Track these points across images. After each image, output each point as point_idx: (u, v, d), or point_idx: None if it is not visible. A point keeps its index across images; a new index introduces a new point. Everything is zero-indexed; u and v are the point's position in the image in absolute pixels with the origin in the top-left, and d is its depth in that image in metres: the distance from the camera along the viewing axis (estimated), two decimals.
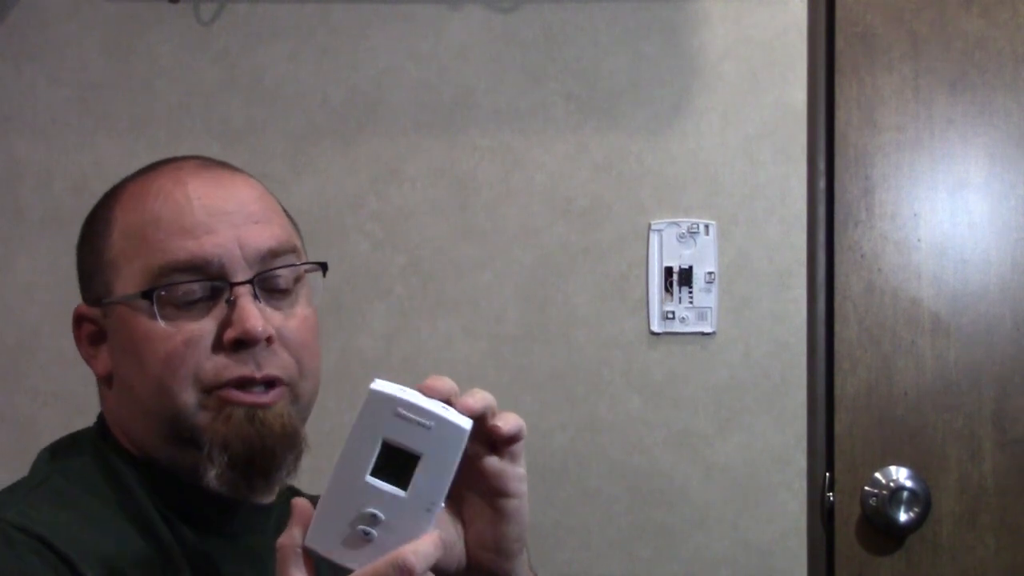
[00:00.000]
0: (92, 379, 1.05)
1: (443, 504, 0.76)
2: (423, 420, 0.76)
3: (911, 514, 1.80)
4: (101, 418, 1.03)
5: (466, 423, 0.77)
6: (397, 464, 0.75)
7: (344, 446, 0.76)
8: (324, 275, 1.04)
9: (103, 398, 1.03)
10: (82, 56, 1.86)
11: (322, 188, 1.85)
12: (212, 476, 0.94)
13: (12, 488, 0.97)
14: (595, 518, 1.84)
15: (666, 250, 1.84)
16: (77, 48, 1.87)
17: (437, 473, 0.76)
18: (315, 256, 1.06)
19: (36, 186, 1.86)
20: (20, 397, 1.84)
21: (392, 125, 1.86)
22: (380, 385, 0.76)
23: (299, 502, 0.76)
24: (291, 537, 0.75)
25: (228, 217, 0.97)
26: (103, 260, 1.00)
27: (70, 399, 1.79)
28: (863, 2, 1.86)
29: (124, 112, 1.86)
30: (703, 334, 1.84)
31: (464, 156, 1.86)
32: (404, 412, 0.76)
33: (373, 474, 0.75)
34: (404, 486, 0.75)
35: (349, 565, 0.75)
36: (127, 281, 0.97)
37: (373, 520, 0.76)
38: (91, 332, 1.02)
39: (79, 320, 1.02)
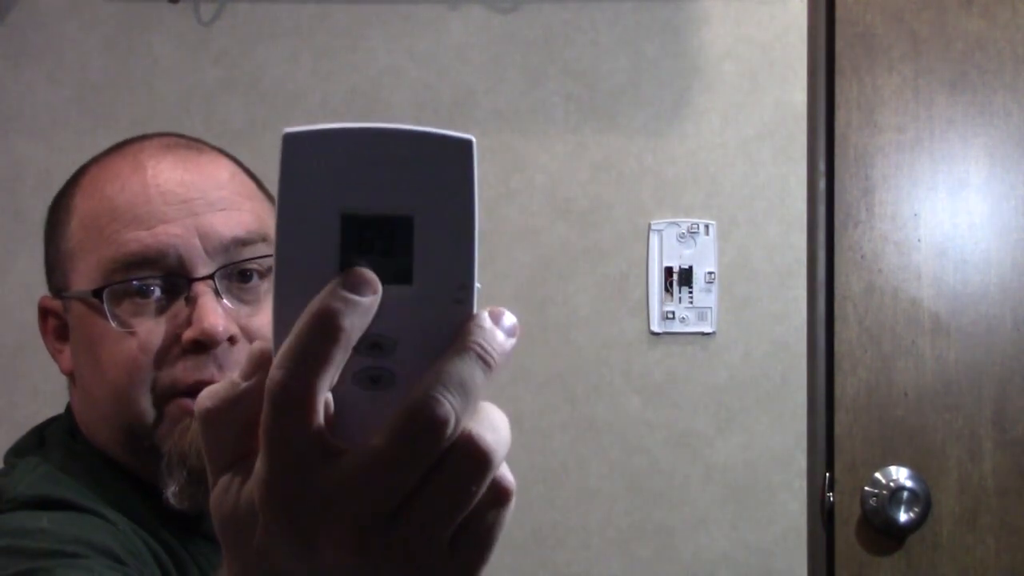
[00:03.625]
0: None
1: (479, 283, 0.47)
2: (396, 152, 0.45)
3: (911, 514, 1.80)
4: (69, 411, 0.97)
5: (463, 135, 0.46)
6: (380, 244, 0.45)
7: (276, 252, 0.46)
8: None
9: (70, 394, 0.97)
10: (82, 56, 1.86)
11: None
12: (172, 492, 0.87)
13: (4, 475, 0.92)
14: (595, 518, 1.84)
15: (666, 250, 1.84)
16: (77, 48, 1.87)
17: (452, 231, 0.45)
18: None
19: (36, 186, 1.86)
20: (20, 397, 1.84)
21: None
22: (298, 129, 0.46)
23: (262, 347, 0.48)
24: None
25: (188, 205, 0.89)
26: (62, 251, 0.93)
27: None
28: (863, 2, 1.86)
29: (124, 112, 1.86)
30: (703, 334, 1.84)
31: None
32: (361, 153, 0.45)
33: None
34: (406, 276, 0.46)
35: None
36: (82, 275, 0.90)
37: (377, 351, 0.46)
38: (56, 326, 0.96)
39: (44, 313, 0.96)
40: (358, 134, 0.45)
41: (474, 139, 0.45)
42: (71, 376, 0.96)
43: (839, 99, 1.85)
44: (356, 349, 0.45)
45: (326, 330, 0.43)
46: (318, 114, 1.86)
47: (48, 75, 1.87)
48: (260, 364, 0.46)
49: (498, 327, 0.46)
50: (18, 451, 0.96)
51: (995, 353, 1.84)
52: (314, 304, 0.43)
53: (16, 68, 1.87)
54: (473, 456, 0.44)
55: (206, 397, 0.47)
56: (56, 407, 1.81)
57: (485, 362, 0.45)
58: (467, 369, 0.44)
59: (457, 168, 0.45)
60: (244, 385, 0.46)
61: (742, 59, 1.86)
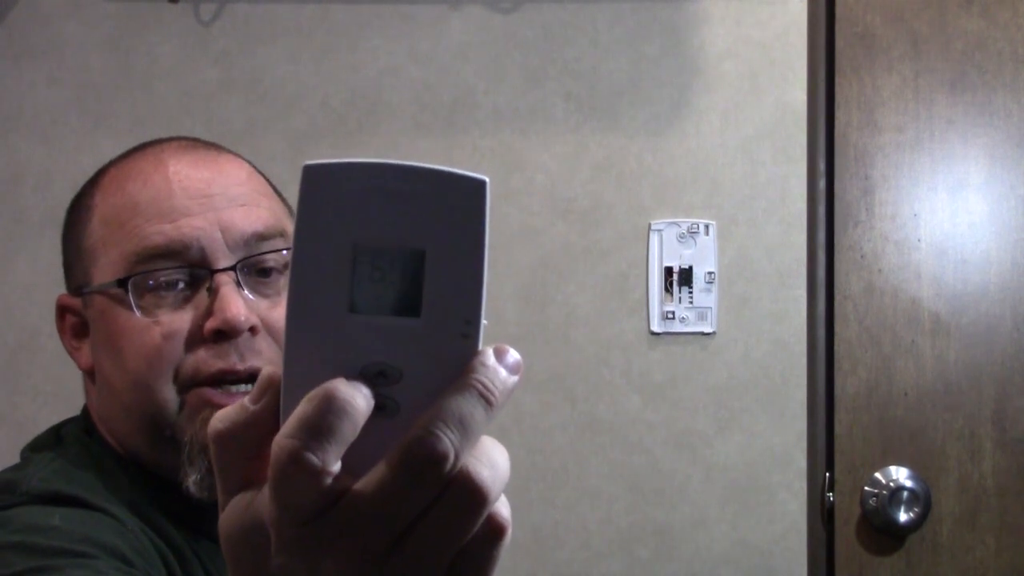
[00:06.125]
0: None
1: (485, 319, 0.48)
2: (412, 188, 0.46)
3: (911, 514, 1.80)
4: (86, 412, 0.99)
5: (478, 175, 0.47)
6: (391, 277, 0.47)
7: (291, 280, 0.47)
8: None
9: (87, 392, 0.99)
10: (82, 56, 1.86)
11: None
12: (192, 481, 0.89)
13: (19, 466, 0.93)
14: (595, 518, 1.84)
15: (666, 250, 1.84)
16: (77, 48, 1.87)
17: (461, 268, 0.47)
18: None
19: (36, 186, 1.86)
20: (20, 397, 1.84)
21: (392, 125, 1.86)
22: (318, 161, 0.47)
23: (270, 373, 0.49)
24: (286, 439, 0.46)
25: (209, 200, 0.92)
26: (83, 248, 0.95)
27: (70, 399, 1.78)
28: (863, 2, 1.86)
29: (124, 112, 1.86)
30: (703, 334, 1.84)
31: (464, 156, 1.86)
32: (377, 187, 0.46)
33: (356, 308, 0.47)
34: (414, 309, 0.47)
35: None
36: (105, 270, 0.93)
37: (383, 380, 0.47)
38: (74, 324, 0.97)
39: (62, 311, 0.98)
40: (376, 169, 0.46)
41: (488, 180, 0.47)
42: (89, 373, 0.97)
43: (839, 99, 1.86)
44: (363, 377, 0.46)
45: (342, 411, 0.45)
46: (318, 114, 1.86)
47: (48, 75, 1.87)
48: (268, 387, 0.48)
49: (501, 364, 0.48)
50: (34, 447, 0.97)
51: (995, 353, 1.84)
52: (331, 387, 0.45)
53: (16, 68, 1.87)
54: (469, 492, 0.45)
55: (218, 420, 0.49)
56: (56, 407, 1.80)
57: (487, 400, 0.46)
58: (468, 406, 0.46)
59: (471, 207, 0.46)
60: (253, 408, 0.48)
61: (742, 59, 1.86)
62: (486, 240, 0.47)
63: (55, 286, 1.02)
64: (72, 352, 0.99)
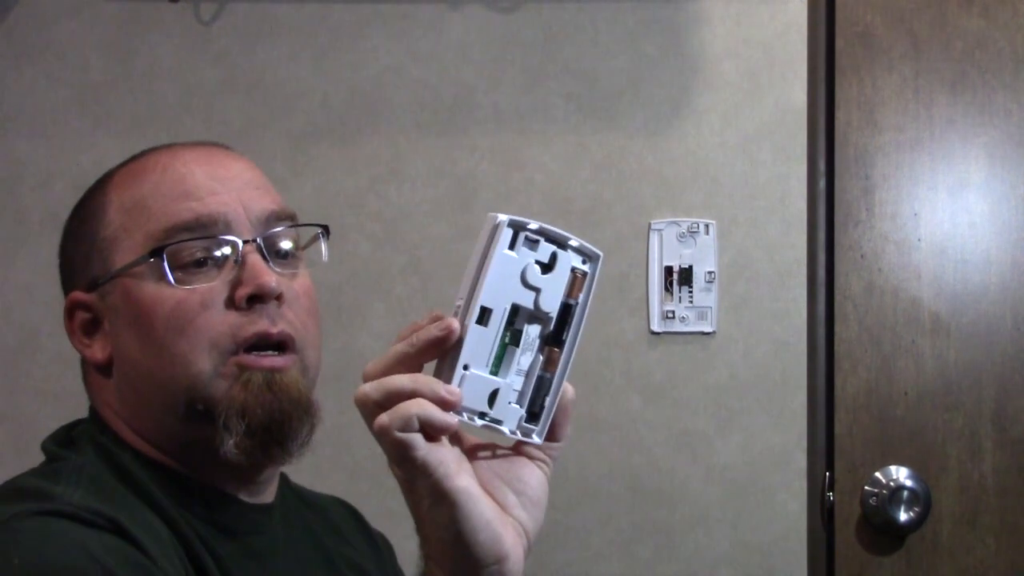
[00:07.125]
0: None
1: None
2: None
3: (911, 514, 1.80)
4: (94, 413, 0.99)
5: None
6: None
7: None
8: (328, 237, 1.04)
9: (98, 390, 0.99)
10: (82, 56, 1.86)
11: (322, 188, 1.85)
12: (230, 446, 0.90)
13: (50, 474, 0.91)
14: (595, 518, 1.84)
15: (666, 250, 1.84)
16: (77, 48, 1.87)
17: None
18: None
19: (36, 186, 1.86)
20: (20, 397, 1.84)
21: (392, 125, 1.86)
22: (508, 216, 0.83)
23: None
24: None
25: (229, 182, 0.97)
26: (99, 239, 0.97)
27: (70, 399, 1.78)
28: (863, 2, 1.86)
29: (124, 112, 1.86)
30: (703, 334, 1.84)
31: (464, 156, 1.86)
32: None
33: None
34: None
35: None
36: (128, 253, 0.95)
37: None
38: (85, 321, 0.98)
39: (72, 309, 0.99)
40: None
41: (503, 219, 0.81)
42: (103, 367, 0.97)
43: (839, 99, 1.86)
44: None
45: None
46: (318, 114, 1.86)
47: (48, 75, 1.87)
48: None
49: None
50: (56, 439, 0.98)
51: (995, 353, 1.84)
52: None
53: (16, 68, 1.87)
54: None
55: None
56: (56, 407, 1.79)
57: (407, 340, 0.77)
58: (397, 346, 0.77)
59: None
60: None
61: (742, 59, 1.86)
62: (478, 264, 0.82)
63: (55, 286, 1.02)
64: (83, 350, 0.99)
